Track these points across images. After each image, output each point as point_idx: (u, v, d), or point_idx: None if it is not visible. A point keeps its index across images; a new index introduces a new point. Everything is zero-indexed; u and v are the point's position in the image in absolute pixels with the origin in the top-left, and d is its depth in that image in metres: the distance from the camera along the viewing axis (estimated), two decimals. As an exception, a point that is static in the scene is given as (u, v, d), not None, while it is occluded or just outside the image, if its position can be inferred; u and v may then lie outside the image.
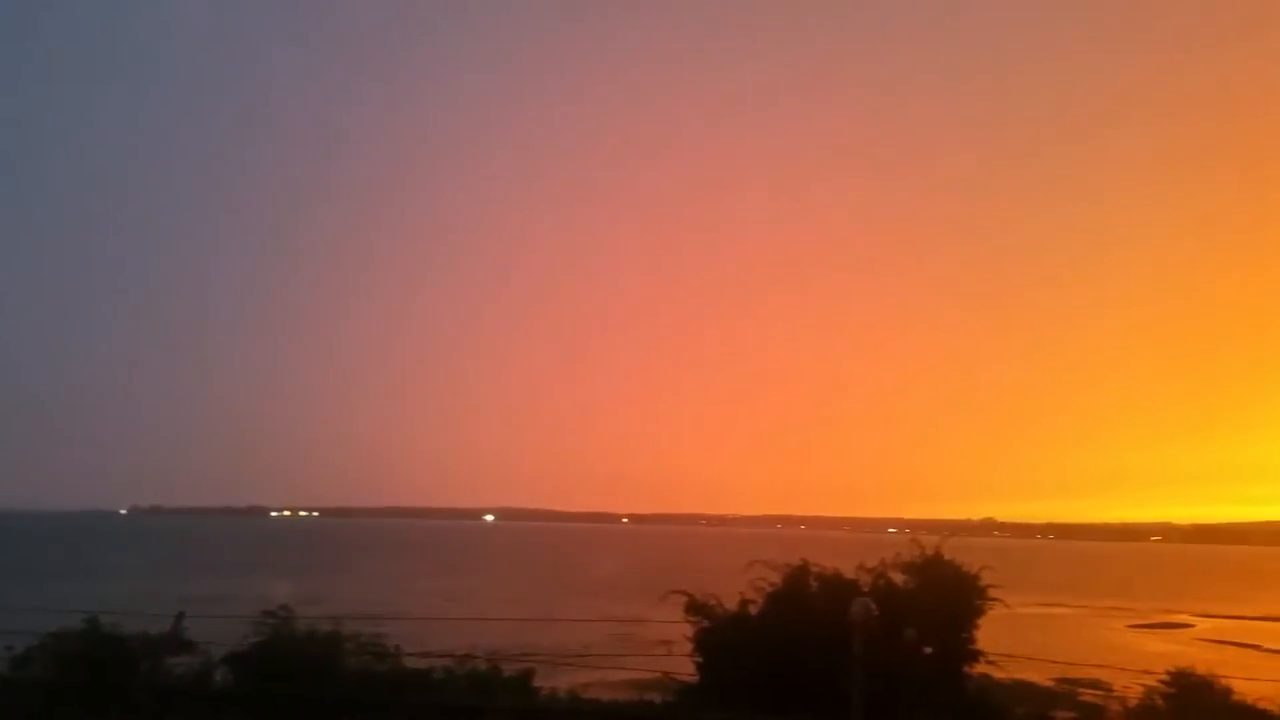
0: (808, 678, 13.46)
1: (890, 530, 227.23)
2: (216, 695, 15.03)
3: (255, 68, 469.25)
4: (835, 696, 12.64)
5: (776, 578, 15.00)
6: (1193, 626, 69.42)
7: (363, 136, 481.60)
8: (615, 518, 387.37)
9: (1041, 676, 22.14)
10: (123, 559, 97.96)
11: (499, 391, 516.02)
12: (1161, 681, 15.81)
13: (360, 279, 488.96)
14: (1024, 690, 20.32)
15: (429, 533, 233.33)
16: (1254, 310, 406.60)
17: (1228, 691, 15.43)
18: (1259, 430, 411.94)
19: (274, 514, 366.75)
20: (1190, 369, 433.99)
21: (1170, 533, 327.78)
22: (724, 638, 14.70)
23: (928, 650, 14.76)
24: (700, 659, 14.89)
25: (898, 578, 15.21)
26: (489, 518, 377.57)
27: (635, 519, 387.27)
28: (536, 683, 16.13)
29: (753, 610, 14.92)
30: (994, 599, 15.21)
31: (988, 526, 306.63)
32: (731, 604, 15.09)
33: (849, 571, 15.08)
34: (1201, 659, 20.52)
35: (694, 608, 15.11)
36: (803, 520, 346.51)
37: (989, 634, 15.16)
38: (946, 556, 15.40)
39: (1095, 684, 21.69)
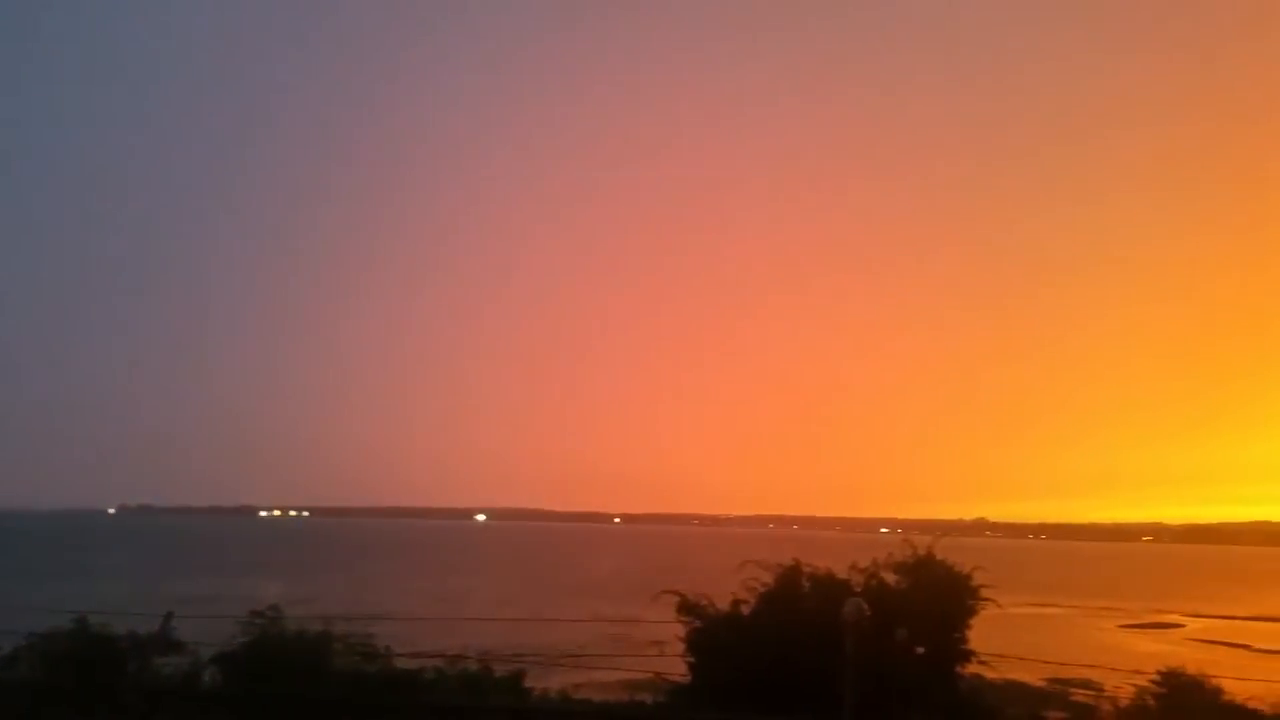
0: (800, 678, 13.44)
1: (883, 530, 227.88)
2: (205, 695, 14.94)
3: (255, 68, 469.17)
4: (828, 696, 12.62)
5: (769, 578, 14.98)
6: (1183, 626, 69.67)
7: (359, 137, 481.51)
8: (607, 517, 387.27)
9: (1033, 677, 22.16)
10: (111, 559, 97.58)
11: (491, 391, 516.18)
12: (1152, 681, 15.81)
13: (352, 280, 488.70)
14: (1016, 690, 20.34)
15: (420, 532, 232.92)
16: (1247, 312, 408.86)
17: (1218, 691, 15.45)
18: (1250, 431, 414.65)
19: (263, 514, 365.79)
20: (1182, 370, 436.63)
21: (1161, 533, 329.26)
22: (716, 638, 14.66)
23: (920, 650, 14.75)
24: (692, 659, 14.85)
25: (890, 578, 15.19)
26: (481, 517, 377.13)
27: (628, 519, 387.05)
28: (528, 683, 16.06)
29: (745, 610, 14.89)
30: (986, 599, 15.19)
31: (980, 527, 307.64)
32: (724, 604, 15.06)
33: (841, 571, 15.06)
34: (1192, 659, 20.57)
35: (686, 608, 15.07)
36: (795, 520, 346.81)
37: (981, 634, 15.15)
38: (939, 557, 15.38)
39: (1087, 684, 21.70)
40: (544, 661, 19.94)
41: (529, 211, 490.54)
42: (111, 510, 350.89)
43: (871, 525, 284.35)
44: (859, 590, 14.38)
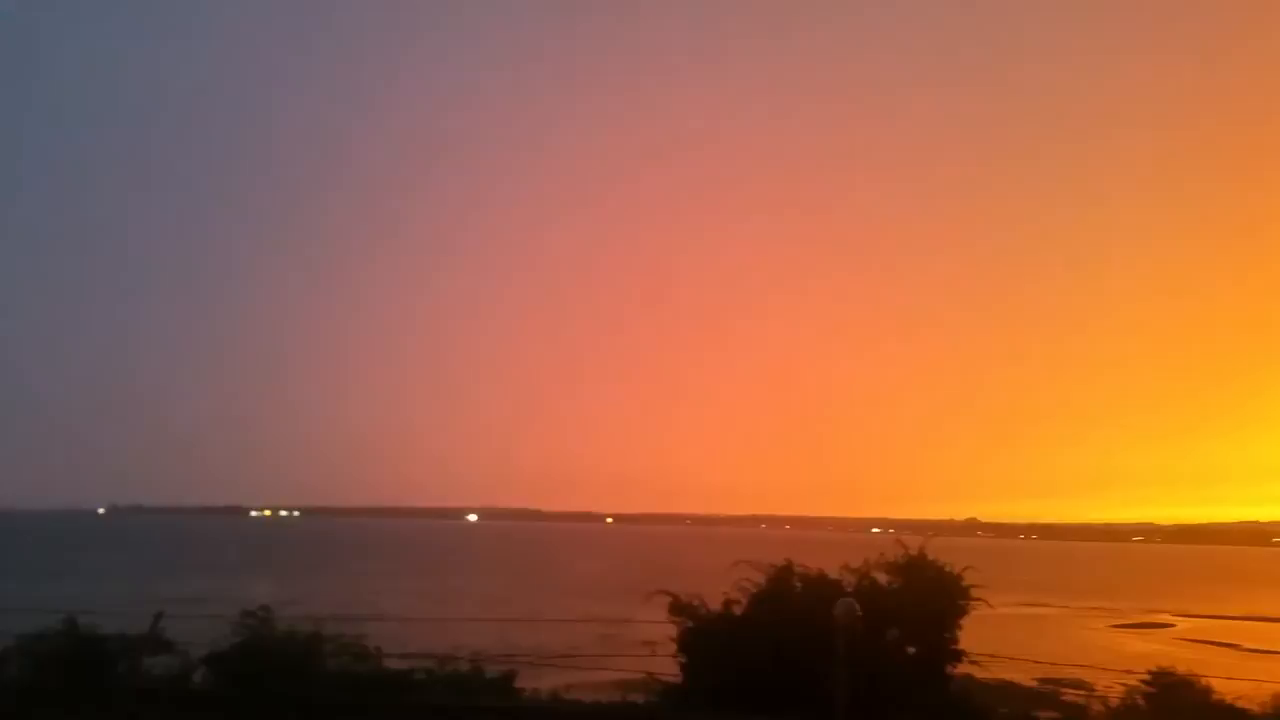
0: (791, 678, 13.44)
1: (874, 530, 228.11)
2: (195, 696, 14.89)
3: (256, 66, 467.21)
4: (819, 697, 12.63)
5: (760, 578, 14.97)
6: (1173, 626, 70.03)
7: (360, 137, 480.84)
8: (599, 517, 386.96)
9: (1024, 676, 22.21)
10: (101, 558, 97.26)
11: (483, 391, 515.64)
12: (1143, 681, 15.88)
13: (344, 280, 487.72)
14: (1007, 690, 20.38)
15: (411, 532, 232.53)
16: (1238, 315, 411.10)
17: (1208, 690, 15.51)
18: (1240, 434, 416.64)
19: (254, 513, 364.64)
20: (1173, 373, 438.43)
21: (1152, 533, 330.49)
22: (708, 638, 14.66)
23: (911, 650, 14.76)
24: (684, 659, 14.84)
25: (881, 578, 15.18)
26: (472, 517, 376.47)
27: (619, 519, 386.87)
28: (519, 683, 16.03)
29: (737, 610, 14.88)
30: (977, 599, 15.19)
31: (971, 527, 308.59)
32: (716, 604, 15.05)
33: (833, 572, 15.06)
34: (1182, 658, 20.64)
35: (678, 608, 15.06)
36: (787, 520, 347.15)
37: (972, 634, 15.16)
38: (930, 557, 15.38)
39: (1077, 684, 21.72)
40: (535, 662, 19.92)
41: (522, 212, 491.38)
42: (102, 510, 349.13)
43: (863, 525, 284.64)
44: (851, 590, 14.38)
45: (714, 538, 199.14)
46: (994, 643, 15.80)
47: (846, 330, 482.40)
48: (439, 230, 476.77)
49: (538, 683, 17.59)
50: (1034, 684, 23.27)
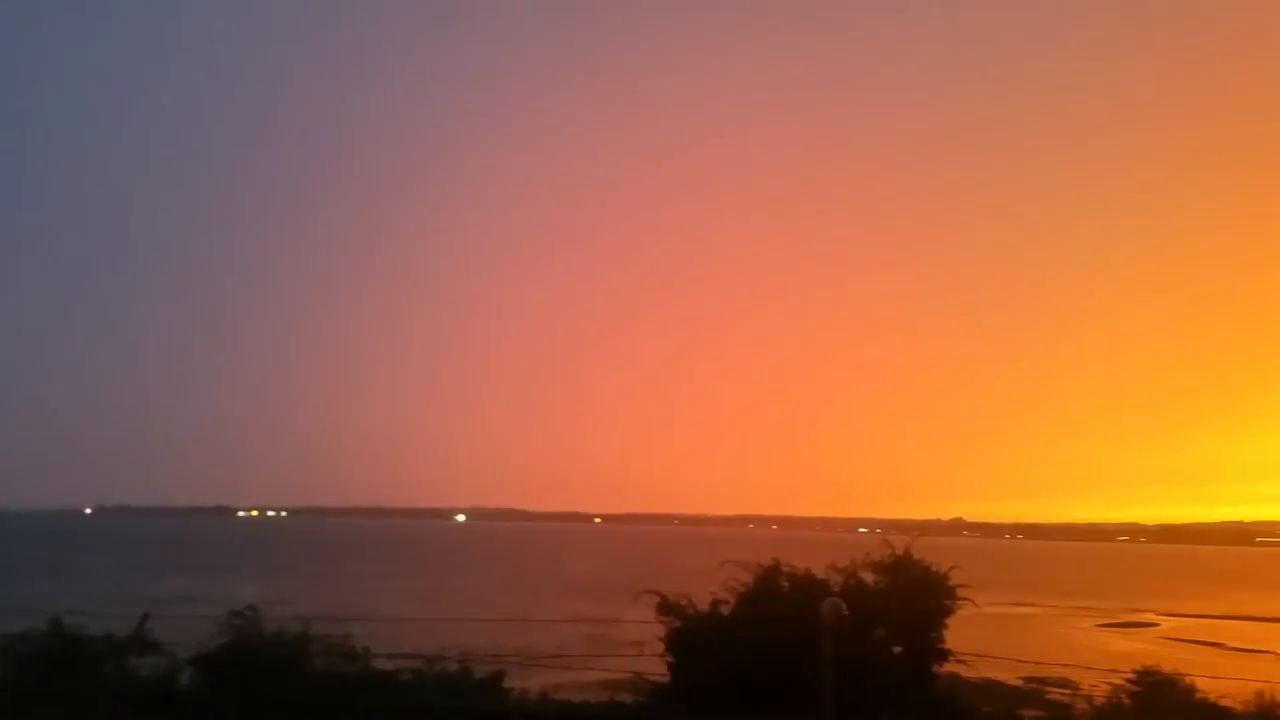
0: (779, 677, 13.49)
1: (861, 530, 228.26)
2: (182, 696, 14.85)
3: (260, 67, 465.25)
4: (806, 696, 12.68)
5: (748, 578, 15.04)
6: (1158, 625, 70.42)
7: (360, 137, 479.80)
8: (588, 517, 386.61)
9: (1009, 675, 22.31)
10: (88, 559, 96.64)
11: (471, 391, 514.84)
12: (1127, 680, 15.97)
13: (332, 282, 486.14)
14: (992, 689, 20.47)
15: (399, 532, 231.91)
16: (1224, 317, 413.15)
17: (1191, 689, 15.62)
18: (1224, 434, 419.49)
19: (241, 514, 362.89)
20: (1158, 374, 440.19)
21: (1137, 533, 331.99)
22: (696, 638, 14.72)
23: (897, 649, 14.85)
24: (672, 659, 14.90)
25: (868, 577, 15.27)
26: (460, 517, 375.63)
27: (608, 519, 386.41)
28: (507, 684, 16.03)
29: (724, 610, 14.95)
30: (963, 598, 15.30)
31: (957, 526, 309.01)
32: (703, 604, 15.11)
33: (820, 571, 15.14)
34: (1166, 657, 20.80)
35: (666, 608, 15.12)
36: (775, 520, 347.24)
37: (958, 633, 15.25)
38: (916, 556, 15.48)
39: (1063, 682, 21.81)
40: (524, 662, 19.97)
41: (515, 213, 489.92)
42: (88, 510, 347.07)
43: (850, 525, 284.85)
44: (837, 590, 14.45)
45: (702, 538, 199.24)
46: (980, 642, 15.88)
47: (832, 331, 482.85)
48: (429, 232, 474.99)
49: (526, 683, 17.60)
50: (1019, 683, 23.37)
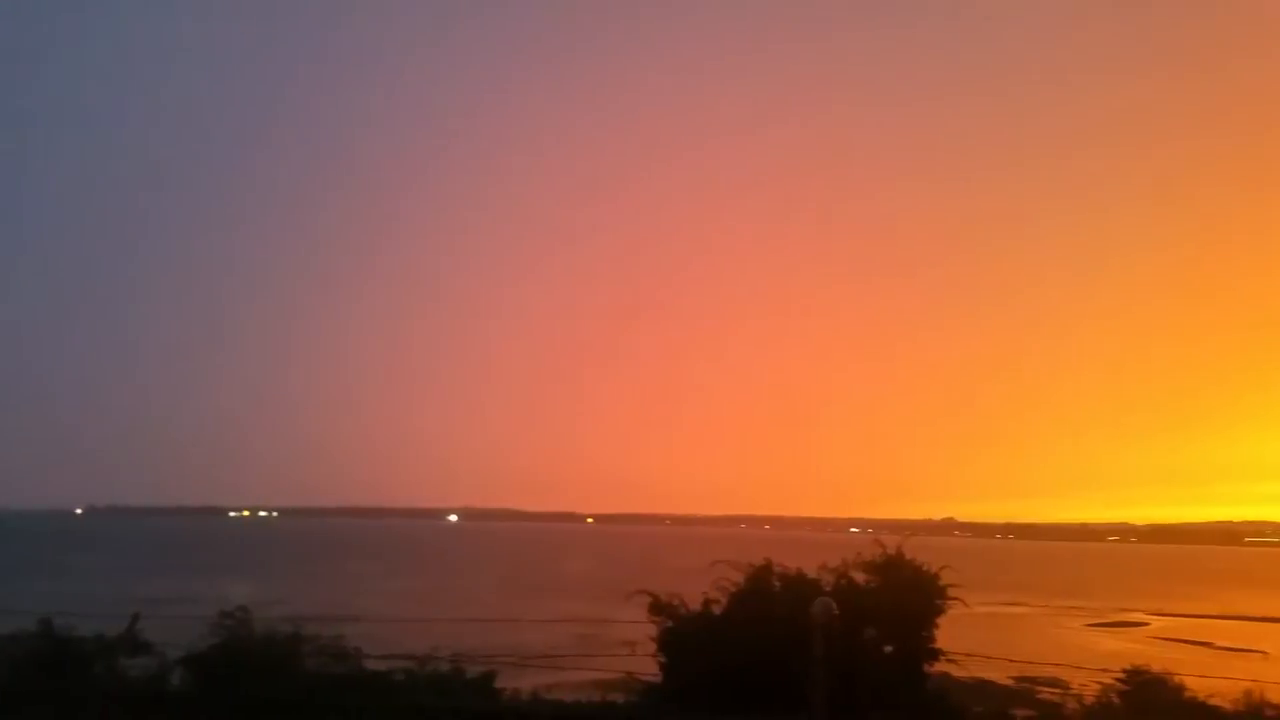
0: (770, 677, 13.51)
1: (853, 530, 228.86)
2: (173, 697, 14.82)
3: (260, 67, 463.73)
4: (797, 695, 12.70)
5: (739, 577, 15.04)
6: (1147, 625, 70.63)
7: (352, 140, 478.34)
8: (580, 517, 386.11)
9: (1000, 675, 22.35)
10: (78, 559, 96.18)
11: (463, 390, 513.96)
12: (1117, 679, 16.02)
13: (324, 282, 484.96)
14: (983, 688, 20.53)
15: (391, 532, 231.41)
16: (1215, 320, 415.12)
17: (1181, 688, 15.67)
18: (1214, 435, 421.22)
19: (232, 514, 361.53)
20: (1149, 375, 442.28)
21: (1127, 533, 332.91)
22: (687, 638, 14.72)
23: (888, 649, 14.87)
24: (664, 659, 14.90)
25: (859, 577, 15.29)
26: (452, 517, 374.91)
27: (600, 519, 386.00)
28: (499, 684, 16.03)
29: (716, 610, 14.95)
30: (954, 598, 15.33)
31: (948, 526, 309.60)
32: (695, 604, 15.11)
33: (811, 571, 15.15)
34: (1156, 657, 20.88)
35: (658, 608, 15.12)
36: (767, 520, 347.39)
37: (949, 633, 15.28)
38: (907, 556, 15.50)
39: (1053, 682, 21.92)
40: (515, 662, 19.91)
41: (515, 213, 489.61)
42: (79, 510, 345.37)
43: (842, 525, 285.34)
44: (829, 590, 14.48)
45: (694, 538, 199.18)
46: (971, 641, 15.92)
47: (825, 334, 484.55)
48: (429, 232, 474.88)
49: (518, 683, 17.58)
50: (1010, 682, 23.43)
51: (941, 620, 15.18)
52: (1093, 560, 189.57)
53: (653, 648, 15.00)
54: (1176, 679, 15.90)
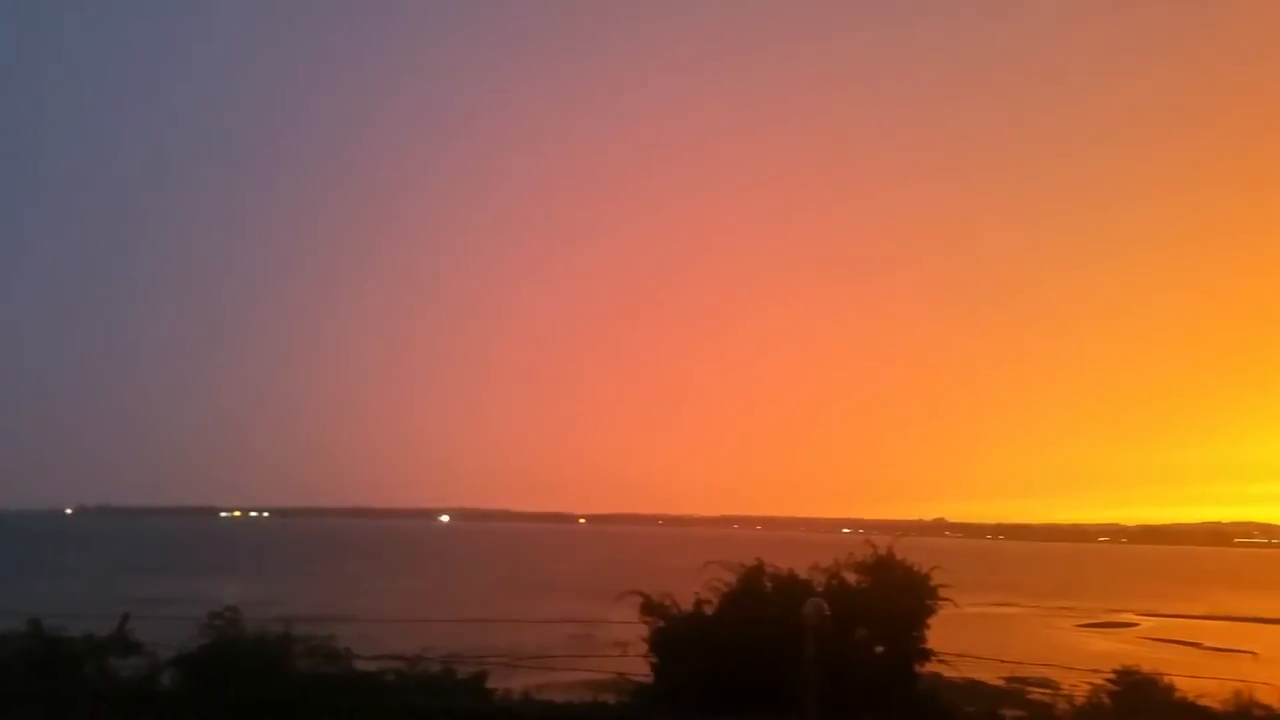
0: (762, 677, 13.52)
1: (844, 530, 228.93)
2: (163, 697, 14.77)
3: (260, 67, 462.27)
4: (789, 696, 12.72)
5: (731, 578, 15.05)
6: (1137, 625, 70.91)
7: (352, 140, 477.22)
8: (572, 518, 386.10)
9: (991, 675, 22.39)
10: (68, 559, 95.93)
11: (456, 391, 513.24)
12: (1108, 679, 16.06)
13: (317, 283, 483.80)
14: (974, 689, 20.53)
15: (382, 533, 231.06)
16: (1204, 322, 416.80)
17: (1170, 689, 15.72)
18: (1204, 437, 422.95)
19: (224, 514, 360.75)
20: (1139, 377, 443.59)
21: (1117, 533, 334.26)
22: (679, 638, 14.72)
23: (879, 649, 14.90)
24: (655, 659, 14.90)
25: (851, 577, 15.30)
26: (444, 518, 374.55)
27: (592, 519, 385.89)
28: (491, 684, 16.01)
29: (708, 610, 14.96)
30: (945, 599, 15.34)
31: (939, 527, 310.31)
32: (687, 604, 15.12)
33: (803, 571, 15.16)
34: (1146, 657, 20.91)
35: (649, 608, 15.11)
36: (759, 521, 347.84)
37: (940, 633, 15.30)
38: (899, 556, 15.52)
39: (1044, 682, 21.94)
40: (507, 662, 19.91)
41: (515, 213, 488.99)
42: (69, 510, 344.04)
43: (834, 525, 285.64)
44: (820, 590, 14.48)
45: (686, 538, 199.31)
46: (961, 642, 15.95)
47: (817, 334, 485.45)
48: (429, 232, 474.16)
49: (509, 683, 17.57)
50: (1001, 683, 23.46)
51: (932, 621, 15.19)
52: (1083, 561, 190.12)
53: (644, 648, 15.00)
54: (1166, 679, 15.94)
